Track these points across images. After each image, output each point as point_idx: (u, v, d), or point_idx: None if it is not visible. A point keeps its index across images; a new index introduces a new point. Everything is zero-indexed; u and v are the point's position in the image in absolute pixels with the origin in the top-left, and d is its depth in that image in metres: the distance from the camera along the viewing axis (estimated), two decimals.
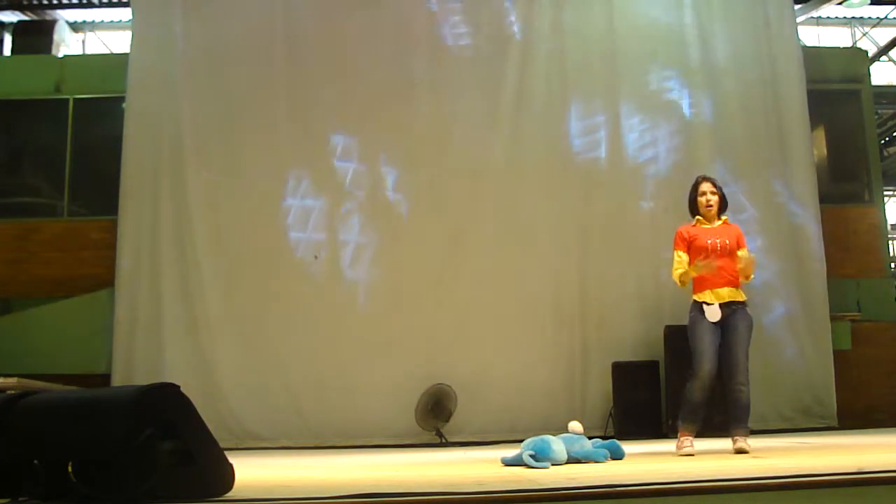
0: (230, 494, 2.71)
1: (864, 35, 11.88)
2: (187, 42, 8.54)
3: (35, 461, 2.61)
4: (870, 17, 11.69)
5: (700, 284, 4.97)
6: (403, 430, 7.64)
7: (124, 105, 8.50)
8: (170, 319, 7.98)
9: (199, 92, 8.42)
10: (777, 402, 7.99)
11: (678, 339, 6.20)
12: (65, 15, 10.60)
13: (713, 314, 4.88)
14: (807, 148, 8.59)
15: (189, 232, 8.14)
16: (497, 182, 8.26)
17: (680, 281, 5.01)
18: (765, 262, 8.31)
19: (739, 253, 4.95)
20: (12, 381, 6.45)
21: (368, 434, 7.66)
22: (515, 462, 3.94)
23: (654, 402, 7.49)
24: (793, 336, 8.17)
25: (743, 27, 8.80)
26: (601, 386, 7.83)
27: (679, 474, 3.07)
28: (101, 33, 11.31)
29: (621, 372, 7.62)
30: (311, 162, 8.34)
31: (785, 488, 2.43)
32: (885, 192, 11.17)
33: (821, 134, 9.41)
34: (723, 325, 4.90)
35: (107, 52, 10.96)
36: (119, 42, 10.87)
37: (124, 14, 10.66)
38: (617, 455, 4.37)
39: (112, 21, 11.20)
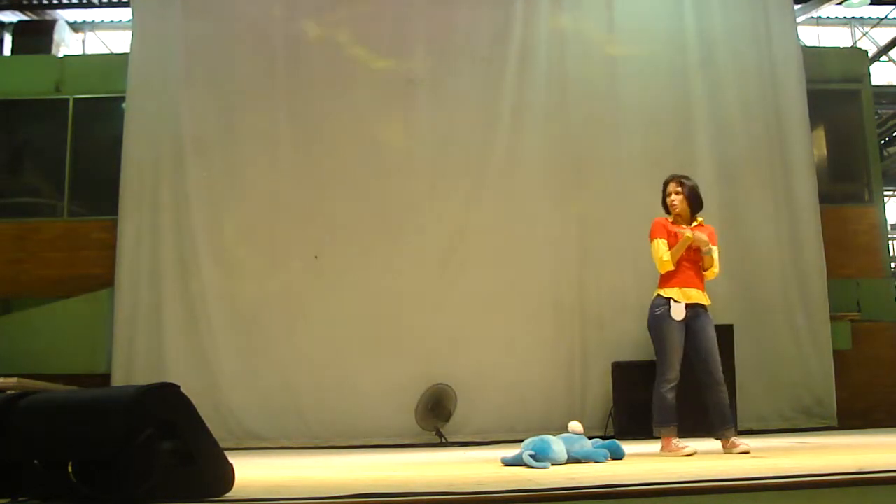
0: (230, 494, 2.71)
1: (864, 35, 11.88)
2: (187, 42, 8.53)
3: (35, 461, 2.61)
4: (870, 17, 11.69)
5: (669, 281, 4.95)
6: (403, 430, 7.63)
7: (124, 105, 8.50)
8: (170, 319, 7.98)
9: (199, 92, 8.41)
10: (777, 402, 8.00)
11: None
12: (65, 15, 10.60)
13: (678, 312, 4.88)
14: (807, 148, 8.59)
15: (189, 232, 8.14)
16: (497, 182, 8.27)
17: (672, 261, 4.91)
18: (765, 261, 8.33)
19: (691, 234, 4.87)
20: (12, 381, 6.45)
21: (368, 434, 7.65)
22: (515, 462, 3.94)
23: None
24: (793, 336, 8.17)
25: (743, 27, 8.80)
26: (601, 386, 7.83)
27: (679, 474, 3.06)
28: (101, 33, 11.32)
29: (621, 372, 7.62)
30: (311, 162, 8.33)
31: (785, 488, 2.42)
32: (885, 192, 11.16)
33: (821, 134, 9.42)
34: (688, 327, 4.89)
35: (107, 52, 10.97)
36: (119, 42, 10.88)
37: (124, 14, 10.67)
38: (617, 455, 4.37)
39: (112, 21, 11.20)
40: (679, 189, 5.05)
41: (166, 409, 2.64)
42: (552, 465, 3.86)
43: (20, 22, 10.18)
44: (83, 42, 11.26)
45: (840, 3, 10.07)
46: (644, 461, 4.28)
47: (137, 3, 8.80)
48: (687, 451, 4.68)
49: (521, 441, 4.16)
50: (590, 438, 4.44)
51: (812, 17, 10.68)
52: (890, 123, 11.45)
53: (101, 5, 10.71)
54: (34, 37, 9.83)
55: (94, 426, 2.53)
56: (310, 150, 8.35)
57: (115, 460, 2.44)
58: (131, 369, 7.84)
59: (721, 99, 8.58)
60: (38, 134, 9.24)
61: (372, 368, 7.80)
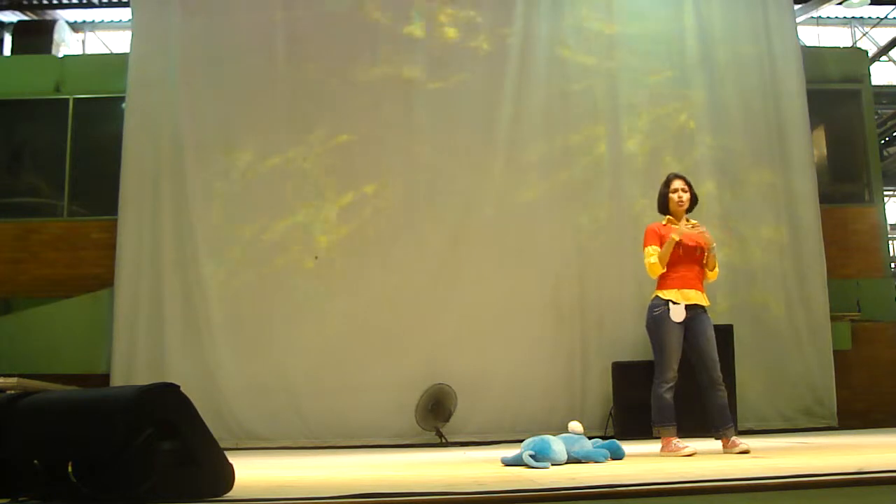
0: (230, 494, 2.71)
1: (864, 35, 11.88)
2: (187, 42, 8.54)
3: (35, 461, 2.60)
4: (870, 17, 11.70)
5: (668, 282, 4.96)
6: (403, 430, 7.64)
7: (124, 105, 8.50)
8: (170, 319, 7.97)
9: (199, 91, 8.41)
10: (777, 402, 8.00)
11: None
12: (65, 15, 10.61)
13: (678, 314, 4.89)
14: (807, 148, 8.58)
15: (189, 232, 8.13)
16: (497, 182, 8.27)
17: (660, 263, 4.92)
18: (765, 261, 8.33)
19: (713, 245, 4.96)
20: (12, 381, 6.44)
21: (368, 434, 7.66)
22: (515, 462, 3.94)
23: None
24: (793, 336, 8.17)
25: (743, 27, 8.80)
26: (601, 386, 7.84)
27: (679, 474, 3.06)
28: (101, 33, 11.33)
29: (621, 372, 7.61)
30: (311, 162, 8.33)
31: (785, 488, 2.42)
32: (885, 192, 11.18)
33: (821, 134, 9.42)
34: (687, 328, 4.90)
35: (107, 52, 10.97)
36: (119, 42, 10.89)
37: (124, 14, 10.68)
38: (617, 455, 4.37)
39: (112, 21, 11.22)
40: (686, 187, 5.09)
41: (166, 409, 2.64)
42: (552, 465, 3.86)
43: (20, 22, 10.19)
44: (83, 42, 11.27)
45: (840, 3, 10.07)
46: (644, 461, 4.28)
47: (137, 2, 8.80)
48: (687, 451, 4.68)
49: (521, 441, 4.16)
50: (590, 438, 4.44)
51: (812, 17, 10.68)
52: (890, 123, 11.46)
53: (101, 5, 10.72)
54: (34, 37, 9.84)
55: (93, 426, 2.53)
56: (309, 150, 8.35)
57: (115, 460, 2.44)
58: (131, 369, 7.83)
59: (721, 99, 8.57)
60: (38, 134, 9.25)
61: (372, 368, 7.79)
